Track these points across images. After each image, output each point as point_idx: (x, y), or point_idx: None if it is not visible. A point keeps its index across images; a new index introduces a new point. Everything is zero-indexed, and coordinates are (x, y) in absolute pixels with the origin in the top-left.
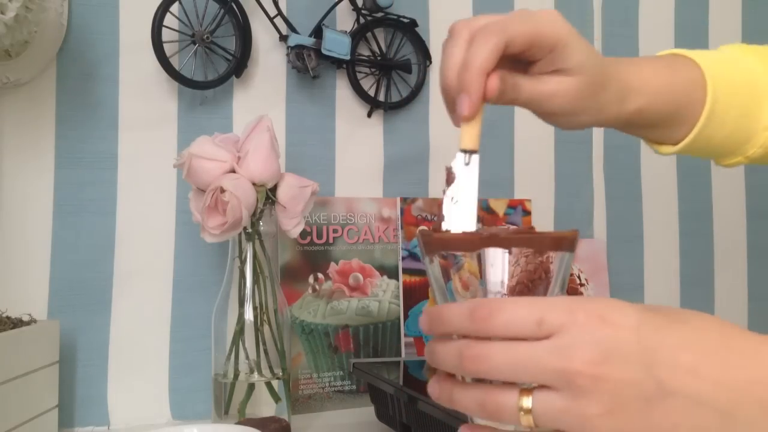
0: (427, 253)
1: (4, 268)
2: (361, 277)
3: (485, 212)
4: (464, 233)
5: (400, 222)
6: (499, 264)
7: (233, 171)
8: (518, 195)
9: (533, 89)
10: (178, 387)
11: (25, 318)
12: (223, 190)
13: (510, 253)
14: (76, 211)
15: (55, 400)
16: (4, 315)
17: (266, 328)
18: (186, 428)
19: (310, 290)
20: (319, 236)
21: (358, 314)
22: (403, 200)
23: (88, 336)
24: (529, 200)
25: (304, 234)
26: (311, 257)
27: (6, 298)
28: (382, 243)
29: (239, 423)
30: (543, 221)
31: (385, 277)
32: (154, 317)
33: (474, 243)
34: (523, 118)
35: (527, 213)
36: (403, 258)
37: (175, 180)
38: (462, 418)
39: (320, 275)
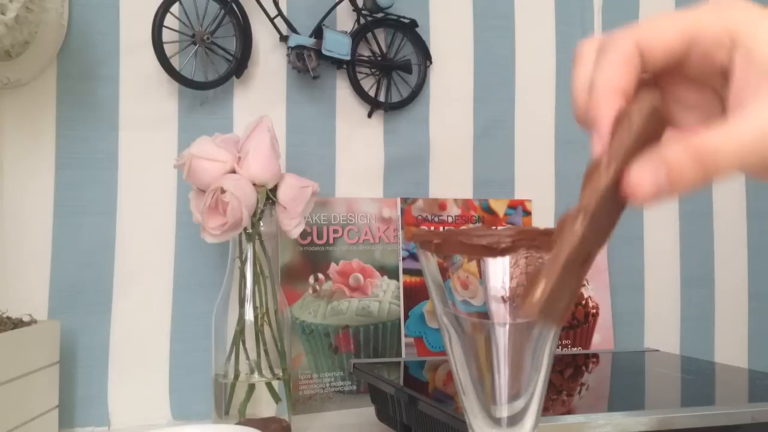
0: (424, 252)
1: (4, 268)
2: (361, 277)
3: (485, 212)
4: (461, 241)
5: (400, 222)
6: (499, 267)
7: (234, 171)
8: (518, 195)
9: (727, 142)
10: (178, 387)
11: (26, 318)
12: (223, 191)
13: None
14: (76, 211)
15: (56, 400)
16: (4, 315)
17: (266, 328)
18: (186, 428)
19: (310, 291)
20: (320, 237)
21: (358, 314)
22: (404, 200)
23: (88, 336)
24: (530, 200)
25: (304, 234)
26: (312, 257)
27: (6, 298)
28: (382, 243)
29: (239, 423)
30: (543, 221)
31: (385, 277)
32: (154, 317)
33: (474, 249)
34: (523, 118)
35: (527, 213)
36: (404, 258)
37: (176, 180)
38: (462, 419)
39: (321, 276)
